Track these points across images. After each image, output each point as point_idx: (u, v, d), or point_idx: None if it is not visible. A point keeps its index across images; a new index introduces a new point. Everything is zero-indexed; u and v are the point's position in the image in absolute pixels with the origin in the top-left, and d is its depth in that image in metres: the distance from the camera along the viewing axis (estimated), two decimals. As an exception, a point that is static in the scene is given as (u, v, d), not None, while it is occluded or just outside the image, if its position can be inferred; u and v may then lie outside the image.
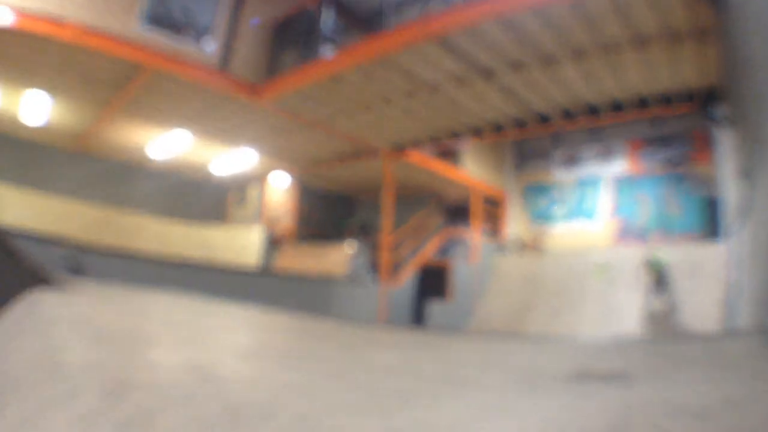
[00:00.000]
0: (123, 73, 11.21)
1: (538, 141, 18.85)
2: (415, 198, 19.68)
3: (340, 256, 15.21)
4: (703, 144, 15.49)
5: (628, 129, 16.76)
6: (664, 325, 12.20)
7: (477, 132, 13.04)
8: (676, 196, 15.90)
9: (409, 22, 9.21)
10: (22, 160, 15.23)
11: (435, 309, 15.20)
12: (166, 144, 15.53)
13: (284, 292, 11.35)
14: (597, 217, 17.47)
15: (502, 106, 11.62)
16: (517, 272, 16.77)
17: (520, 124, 12.45)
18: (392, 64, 10.13)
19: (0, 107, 13.20)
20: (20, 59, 10.59)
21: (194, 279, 9.14)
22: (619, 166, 17.29)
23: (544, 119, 12.07)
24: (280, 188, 19.73)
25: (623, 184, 17.11)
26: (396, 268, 15.86)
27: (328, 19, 11.66)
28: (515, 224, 19.25)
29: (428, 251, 17.30)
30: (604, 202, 17.41)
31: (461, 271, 16.10)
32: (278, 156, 16.45)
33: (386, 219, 14.68)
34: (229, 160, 16.99)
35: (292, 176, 18.84)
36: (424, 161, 15.57)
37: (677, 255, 13.67)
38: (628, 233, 16.72)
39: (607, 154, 17.59)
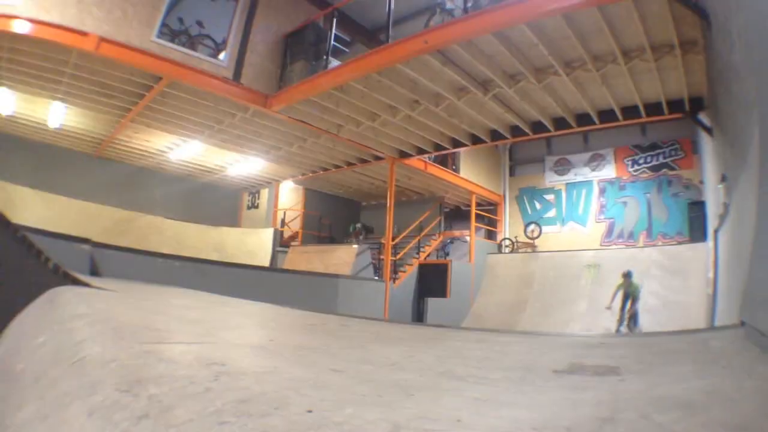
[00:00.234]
0: (142, 82, 11.25)
1: (531, 147, 18.89)
2: (417, 201, 19.74)
3: (345, 257, 15.21)
4: (689, 150, 15.52)
5: (617, 135, 16.77)
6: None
7: (475, 139, 13.07)
8: (663, 200, 15.92)
9: (411, 35, 9.21)
10: (45, 165, 15.30)
11: (434, 306, 15.20)
12: (182, 150, 15.57)
13: (294, 289, 11.33)
14: (587, 220, 17.49)
15: (499, 115, 11.64)
16: (511, 271, 16.78)
17: (515, 131, 12.47)
18: (396, 74, 10.16)
19: (27, 114, 13.27)
20: (43, 68, 10.63)
21: (208, 277, 9.13)
22: (608, 171, 17.32)
23: (537, 126, 12.08)
24: (289, 193, 19.80)
25: (612, 188, 17.13)
26: (398, 267, 15.89)
27: (335, 31, 11.67)
28: (510, 226, 19.28)
29: (428, 251, 17.33)
30: (593, 205, 17.43)
31: (459, 270, 16.10)
32: (288, 162, 16.48)
33: (389, 221, 14.68)
34: (242, 165, 17.02)
35: (300, 181, 18.88)
36: (425, 166, 15.61)
37: (664, 256, 13.68)
38: (616, 235, 16.74)
39: (596, 159, 17.60)
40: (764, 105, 2.95)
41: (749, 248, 3.36)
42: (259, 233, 18.21)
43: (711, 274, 10.30)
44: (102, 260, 7.48)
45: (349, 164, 16.45)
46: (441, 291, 15.55)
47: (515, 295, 15.87)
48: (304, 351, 2.58)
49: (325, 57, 11.45)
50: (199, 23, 11.60)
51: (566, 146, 18.24)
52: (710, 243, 10.85)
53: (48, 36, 9.12)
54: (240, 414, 1.14)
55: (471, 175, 17.64)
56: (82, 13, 9.39)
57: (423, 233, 17.52)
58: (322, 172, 17.41)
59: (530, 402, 1.62)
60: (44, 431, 1.18)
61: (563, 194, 18.26)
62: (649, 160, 16.47)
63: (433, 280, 15.78)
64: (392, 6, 10.34)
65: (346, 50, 13.32)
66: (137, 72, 10.76)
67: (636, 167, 16.72)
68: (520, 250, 18.19)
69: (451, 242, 19.10)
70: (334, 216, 20.69)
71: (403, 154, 14.50)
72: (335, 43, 11.83)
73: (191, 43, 11.31)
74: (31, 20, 8.94)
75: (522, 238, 18.59)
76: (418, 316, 15.36)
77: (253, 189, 20.32)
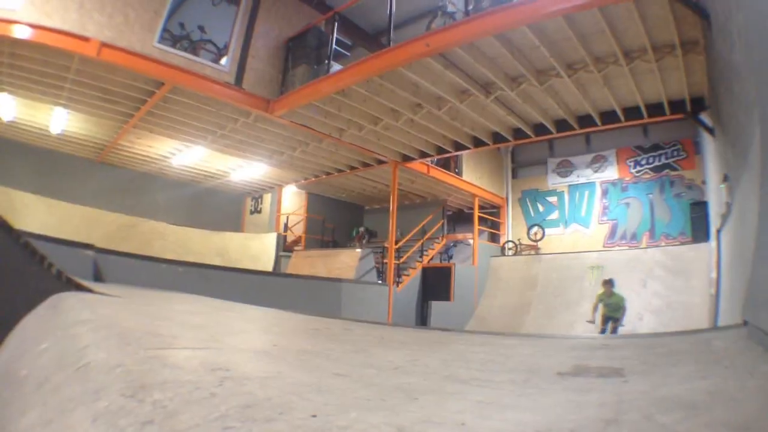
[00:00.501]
0: (144, 87, 11.27)
1: (534, 149, 18.90)
2: (420, 205, 19.76)
3: (349, 261, 15.21)
4: (691, 150, 15.51)
5: (619, 137, 16.76)
6: None
7: (478, 142, 13.08)
8: (666, 201, 15.91)
9: (413, 38, 9.22)
10: (47, 170, 15.33)
11: (438, 309, 15.20)
12: (184, 155, 15.59)
13: (297, 293, 11.33)
14: (590, 221, 17.48)
15: (501, 117, 11.64)
16: (515, 274, 16.76)
17: (517, 133, 12.47)
18: (398, 78, 10.17)
19: (29, 119, 13.30)
20: (45, 73, 10.66)
21: (212, 282, 9.13)
22: (610, 173, 17.31)
23: (540, 128, 12.08)
24: (292, 197, 19.81)
25: (615, 189, 17.12)
26: (401, 270, 15.89)
27: (336, 35, 11.69)
28: (513, 228, 19.28)
29: (431, 254, 17.33)
30: (596, 207, 17.43)
31: (462, 273, 16.09)
32: (290, 166, 16.49)
33: (392, 225, 14.69)
34: (245, 170, 17.04)
35: (303, 185, 18.90)
36: (427, 170, 15.63)
37: (666, 256, 13.66)
38: (619, 237, 16.72)
39: (599, 161, 17.59)
40: (765, 105, 2.95)
41: (751, 248, 3.36)
42: (262, 238, 18.22)
43: (714, 274, 10.29)
44: (105, 266, 7.49)
45: (352, 168, 16.46)
46: (445, 294, 15.53)
47: (519, 297, 15.85)
48: (308, 355, 2.58)
49: (326, 61, 11.47)
50: (201, 28, 11.65)
51: (568, 148, 18.25)
52: (713, 243, 10.84)
53: (49, 41, 9.13)
54: (245, 419, 1.14)
55: (474, 177, 17.66)
56: (83, 18, 9.41)
57: (426, 237, 17.52)
58: (324, 177, 17.42)
59: (534, 404, 1.62)
60: (49, 437, 1.19)
61: (566, 196, 18.25)
62: (651, 160, 16.46)
63: (436, 284, 15.76)
64: (393, 9, 10.36)
65: (348, 54, 13.34)
66: (139, 77, 10.77)
67: (638, 168, 16.72)
68: (523, 253, 18.18)
69: (455, 245, 19.10)
70: (337, 220, 20.70)
71: (406, 158, 14.50)
72: (337, 47, 11.85)
73: (193, 48, 11.35)
74: (32, 25, 8.95)
75: (525, 241, 18.60)
76: (422, 319, 15.35)
77: (255, 194, 20.34)
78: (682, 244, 14.48)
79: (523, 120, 11.81)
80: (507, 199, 19.55)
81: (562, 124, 11.75)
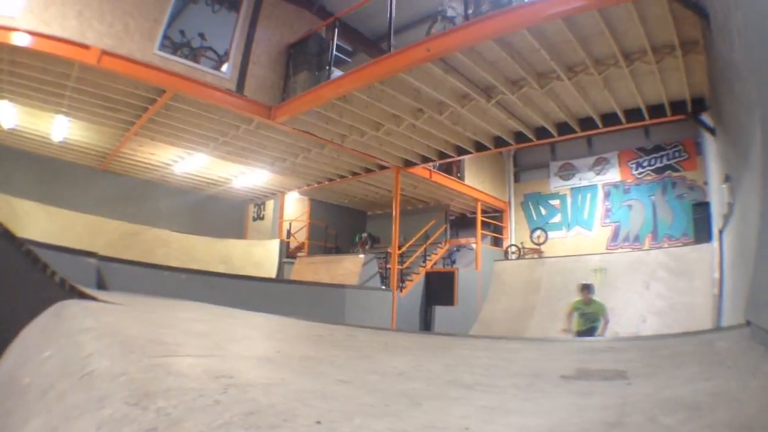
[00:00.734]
0: (145, 95, 11.30)
1: (536, 153, 18.89)
2: (422, 210, 19.77)
3: (352, 267, 15.21)
4: (693, 151, 15.49)
5: (620, 139, 16.75)
6: None
7: (479, 146, 13.07)
8: (667, 202, 15.88)
9: (413, 44, 9.23)
10: (49, 178, 15.36)
11: (441, 314, 15.18)
12: (187, 162, 15.61)
13: (300, 300, 11.32)
14: (592, 224, 17.46)
15: (502, 121, 11.65)
16: (518, 278, 16.73)
17: (519, 137, 12.46)
18: (399, 83, 10.18)
19: (31, 127, 13.32)
20: (45, 81, 10.68)
21: (216, 289, 9.13)
22: (612, 175, 17.30)
23: (541, 132, 12.08)
24: (295, 203, 19.83)
25: (617, 191, 17.10)
26: (405, 276, 15.88)
27: (337, 41, 11.71)
28: (516, 232, 19.26)
29: (434, 259, 17.31)
30: (598, 209, 17.41)
31: (466, 278, 16.07)
32: (293, 173, 16.51)
33: (395, 230, 14.68)
34: (247, 177, 17.06)
35: (305, 192, 18.92)
36: (430, 175, 15.63)
37: (669, 257, 13.63)
38: (621, 239, 16.70)
39: (601, 163, 17.58)
40: (766, 104, 2.95)
41: (753, 247, 3.36)
42: (265, 245, 18.24)
43: (716, 275, 10.28)
44: (108, 274, 7.49)
45: (354, 174, 16.48)
46: (448, 299, 15.50)
47: (522, 301, 15.82)
48: (312, 362, 2.58)
49: (327, 67, 11.49)
50: (201, 35, 11.67)
51: (570, 151, 18.23)
52: (715, 243, 10.83)
53: (48, 49, 9.16)
54: (248, 426, 1.14)
55: (476, 182, 17.66)
56: (82, 26, 9.44)
57: (429, 241, 17.50)
58: (327, 183, 17.45)
59: (538, 408, 1.63)
60: (53, 445, 1.19)
61: (568, 199, 18.23)
62: (653, 162, 16.44)
63: (440, 289, 15.74)
64: (393, 15, 10.37)
65: (349, 60, 13.37)
66: (140, 85, 10.81)
67: (640, 170, 16.69)
68: (526, 257, 18.16)
69: (458, 250, 19.09)
70: (340, 226, 20.71)
71: (408, 163, 14.52)
72: (337, 54, 11.87)
73: (194, 55, 11.37)
74: (31, 32, 8.98)
75: (528, 244, 18.58)
76: (426, 324, 15.33)
77: (258, 200, 20.36)
78: (685, 245, 14.45)
79: (524, 123, 11.80)
80: (509, 202, 19.52)
81: (563, 127, 11.74)
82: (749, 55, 3.68)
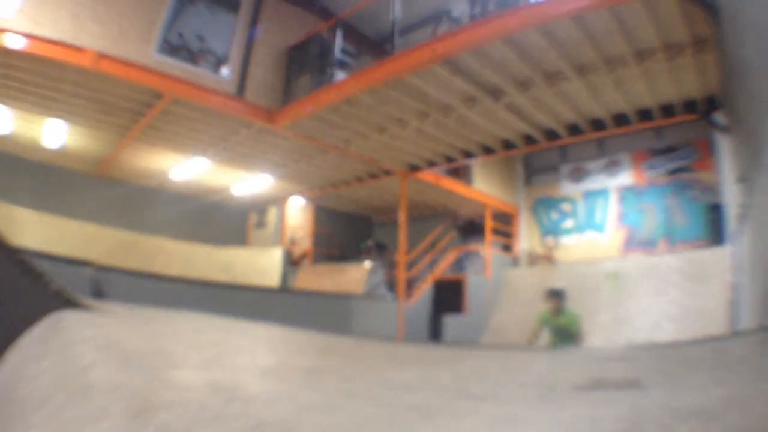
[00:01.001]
0: (142, 99, 11.31)
1: (546, 156, 18.83)
2: (429, 216, 19.73)
3: (357, 275, 15.20)
4: (706, 152, 15.43)
5: (632, 140, 16.69)
6: None
7: (487, 149, 13.05)
8: (681, 205, 15.82)
9: (418, 45, 9.23)
10: (45, 186, 15.35)
11: (450, 323, 15.13)
12: (186, 169, 15.63)
13: (305, 309, 11.32)
14: (605, 228, 17.39)
15: (510, 124, 11.62)
16: (529, 285, 16.65)
17: (528, 140, 12.43)
18: (404, 86, 10.16)
19: (26, 133, 13.34)
20: (40, 85, 10.71)
21: (217, 299, 9.14)
22: (624, 177, 17.23)
23: (551, 134, 12.05)
24: (298, 210, 19.82)
25: (629, 194, 17.04)
26: (412, 284, 15.84)
27: (340, 43, 11.71)
28: (527, 238, 19.20)
29: (443, 267, 17.27)
30: (611, 213, 17.34)
31: (475, 285, 16.03)
32: (295, 179, 16.52)
33: (402, 237, 14.66)
34: (248, 183, 17.07)
35: (309, 198, 18.92)
36: (437, 180, 15.61)
37: (683, 261, 13.56)
38: (635, 243, 16.63)
39: (612, 165, 17.53)
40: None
41: (768, 250, 3.35)
42: (268, 253, 18.21)
43: (732, 278, 10.24)
44: (106, 283, 7.51)
45: (359, 180, 16.47)
46: (458, 307, 15.45)
47: (534, 309, 15.76)
48: (316, 374, 2.58)
49: (329, 70, 11.49)
50: (200, 38, 11.69)
51: (581, 153, 18.15)
52: (730, 246, 10.78)
53: (43, 51, 9.18)
54: (252, 439, 1.14)
55: (485, 186, 17.59)
56: (76, 28, 9.47)
57: (437, 248, 17.46)
58: (331, 189, 17.44)
59: (550, 420, 1.62)
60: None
61: (580, 203, 18.17)
62: (665, 163, 16.38)
63: (449, 297, 15.69)
64: (397, 16, 10.38)
65: (352, 62, 13.40)
66: (138, 89, 10.81)
67: (653, 171, 16.63)
68: (537, 263, 18.10)
69: (467, 256, 19.04)
70: (345, 233, 20.68)
71: (414, 168, 14.50)
72: (340, 56, 11.87)
73: (192, 58, 11.39)
74: (24, 34, 9.01)
75: (539, 250, 18.52)
76: (435, 334, 15.28)
77: (260, 207, 20.34)
78: (700, 248, 14.38)
79: (533, 126, 11.77)
80: (520, 207, 19.46)
81: (573, 129, 11.71)
82: (760, 51, 3.68)
